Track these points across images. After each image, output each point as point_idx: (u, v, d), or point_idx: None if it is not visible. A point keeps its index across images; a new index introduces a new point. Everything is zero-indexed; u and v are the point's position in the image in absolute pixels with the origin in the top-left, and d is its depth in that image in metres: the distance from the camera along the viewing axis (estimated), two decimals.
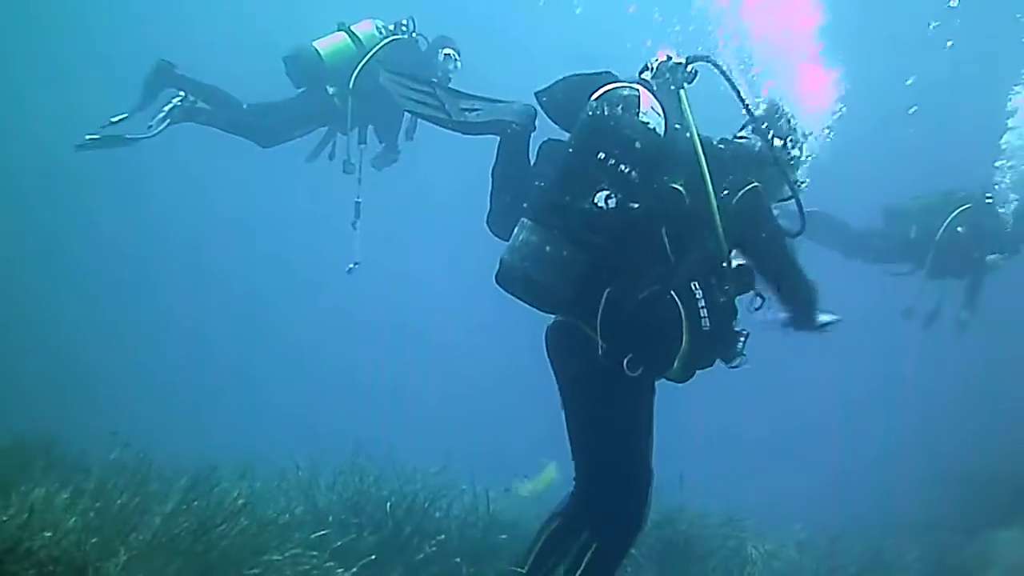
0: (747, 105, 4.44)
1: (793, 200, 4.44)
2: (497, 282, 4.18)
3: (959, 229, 9.19)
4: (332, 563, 5.13)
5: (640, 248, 4.07)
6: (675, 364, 4.09)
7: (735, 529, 7.27)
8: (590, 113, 4.08)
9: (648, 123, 4.11)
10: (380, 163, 8.64)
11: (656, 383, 4.30)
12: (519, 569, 4.38)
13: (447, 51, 8.44)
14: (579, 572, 4.21)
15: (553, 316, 4.40)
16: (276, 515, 5.13)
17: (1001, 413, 13.88)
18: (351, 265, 8.28)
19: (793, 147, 4.58)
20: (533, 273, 4.01)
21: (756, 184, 4.18)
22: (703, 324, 4.04)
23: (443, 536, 6.19)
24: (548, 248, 3.99)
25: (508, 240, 4.24)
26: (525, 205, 4.17)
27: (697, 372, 4.22)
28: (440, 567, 6.04)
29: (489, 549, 6.36)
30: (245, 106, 8.04)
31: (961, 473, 11.88)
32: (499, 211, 4.53)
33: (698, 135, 4.15)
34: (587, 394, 4.27)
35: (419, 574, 5.90)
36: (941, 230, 9.22)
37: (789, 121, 4.60)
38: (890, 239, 9.74)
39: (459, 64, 8.47)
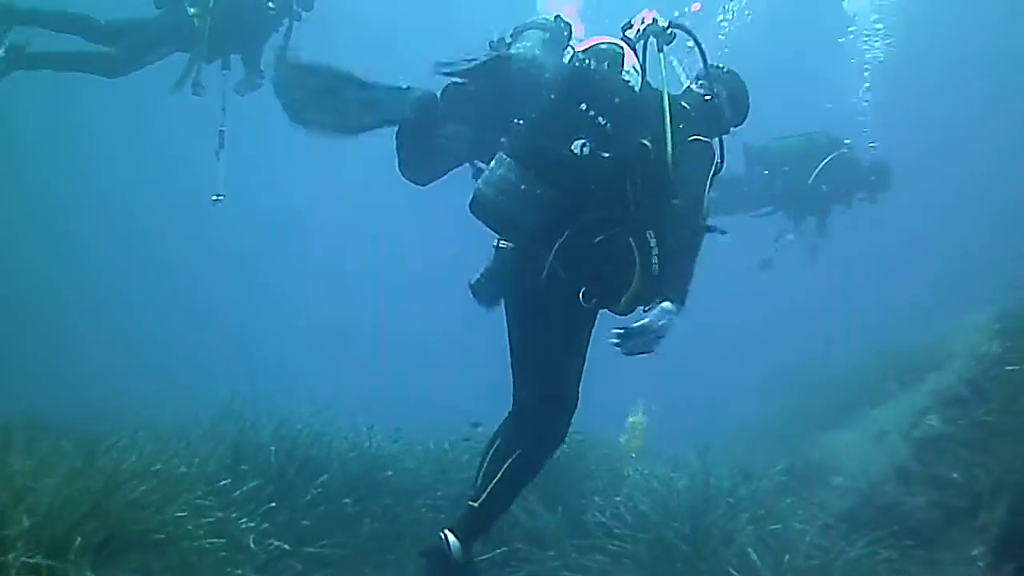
0: (710, 69, 4.81)
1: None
2: (471, 210, 4.45)
3: (823, 188, 9.56)
4: (235, 513, 5.08)
5: (605, 194, 4.39)
6: (622, 301, 4.39)
7: (612, 450, 7.55)
8: (576, 64, 4.47)
9: (628, 81, 4.50)
10: (243, 88, 8.27)
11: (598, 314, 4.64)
12: (470, 492, 4.68)
13: None
14: (499, 475, 4.56)
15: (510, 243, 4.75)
16: (170, 468, 4.99)
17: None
18: (215, 197, 7.93)
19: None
20: (506, 206, 4.35)
21: (699, 138, 4.54)
22: (653, 269, 4.33)
23: (326, 476, 6.21)
24: (523, 186, 4.32)
25: (422, 184, 4.74)
26: (503, 140, 4.46)
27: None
28: (327, 507, 6.07)
29: (375, 485, 6.43)
30: (103, 22, 7.58)
31: (789, 379, 12.75)
32: (414, 161, 4.81)
33: (668, 95, 4.46)
34: (538, 313, 4.64)
35: (306, 515, 5.90)
36: (808, 190, 9.63)
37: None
38: (753, 186, 10.08)
39: None
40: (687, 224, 4.35)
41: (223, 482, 5.34)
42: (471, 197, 4.44)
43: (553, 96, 4.41)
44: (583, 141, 4.32)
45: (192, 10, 7.62)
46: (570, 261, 4.43)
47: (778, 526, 6.08)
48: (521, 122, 4.49)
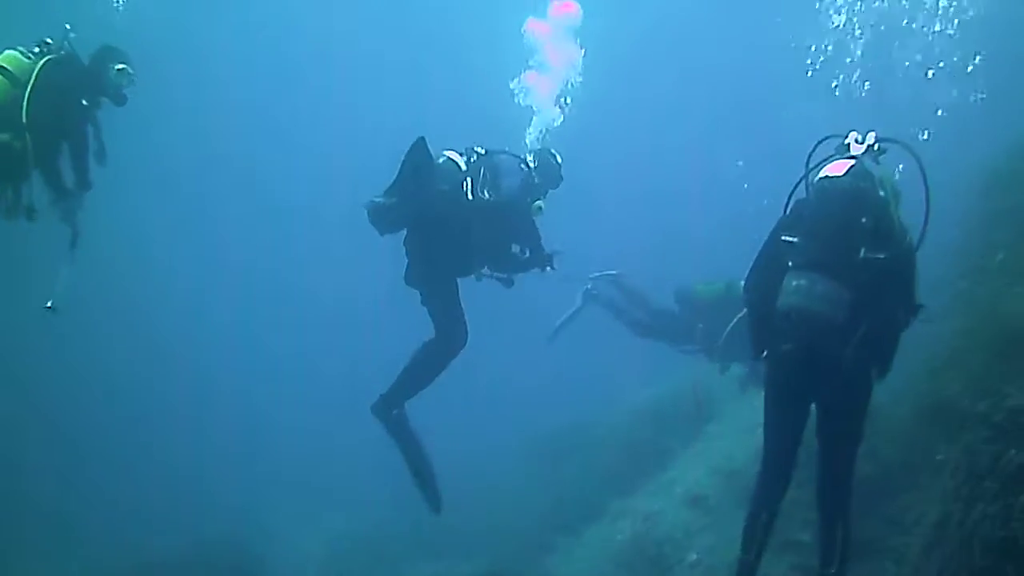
0: (926, 178, 5.44)
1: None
2: (795, 320, 5.27)
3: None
4: None
5: (885, 286, 5.25)
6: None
7: None
8: (847, 187, 5.33)
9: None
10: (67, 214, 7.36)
11: None
12: (748, 557, 5.38)
13: (121, 66, 7.34)
14: (841, 545, 5.34)
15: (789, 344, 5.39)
16: None
17: None
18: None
19: None
20: (833, 316, 5.20)
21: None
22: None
23: None
24: (845, 295, 5.20)
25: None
26: (791, 263, 5.38)
27: None
28: None
29: None
30: None
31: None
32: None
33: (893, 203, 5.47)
34: (853, 397, 5.43)
35: None
36: (724, 335, 9.66)
37: None
38: (679, 324, 10.18)
39: (134, 79, 7.43)
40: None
41: None
42: (801, 316, 5.24)
43: (836, 214, 5.29)
44: (865, 248, 5.20)
45: (3, 136, 6.74)
46: (864, 350, 5.25)
47: None
48: (796, 240, 5.39)
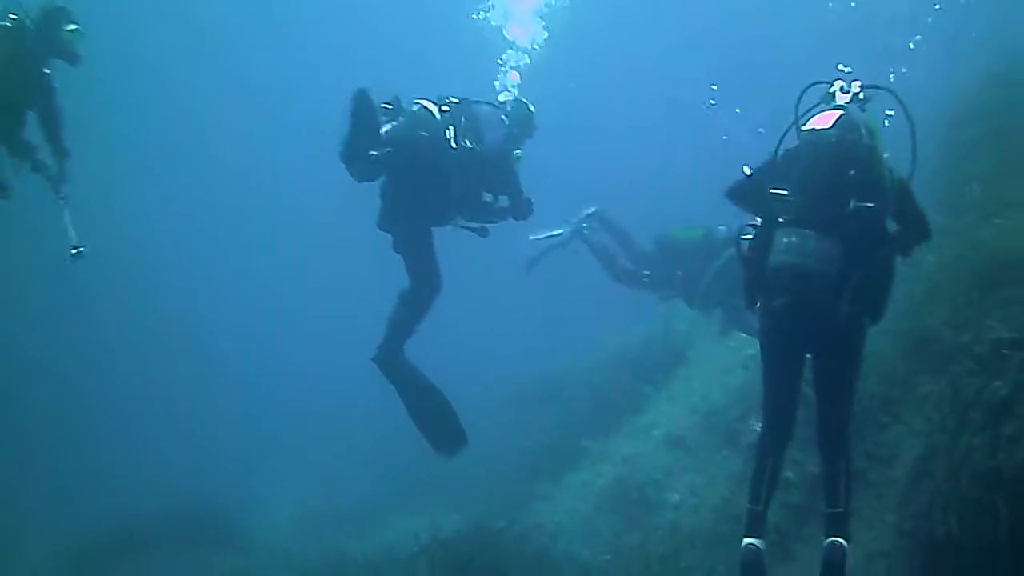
0: (911, 119, 5.48)
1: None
2: (788, 277, 5.27)
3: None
4: None
5: (875, 235, 5.30)
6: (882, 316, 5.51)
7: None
8: (834, 140, 5.32)
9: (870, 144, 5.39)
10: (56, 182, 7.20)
11: None
12: (757, 507, 5.33)
13: (72, 27, 7.06)
14: (845, 477, 5.29)
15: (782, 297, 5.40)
16: None
17: None
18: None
19: None
20: (826, 271, 5.21)
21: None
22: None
23: None
24: (834, 251, 5.22)
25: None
26: (783, 218, 5.36)
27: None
28: None
29: None
30: None
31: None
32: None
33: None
34: (848, 346, 5.45)
35: None
36: (705, 283, 9.50)
37: None
38: (659, 270, 9.97)
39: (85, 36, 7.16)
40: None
41: None
42: (794, 272, 5.23)
43: (827, 168, 5.28)
44: (852, 199, 5.20)
45: None
46: (857, 300, 5.29)
47: None
48: (786, 192, 5.36)
